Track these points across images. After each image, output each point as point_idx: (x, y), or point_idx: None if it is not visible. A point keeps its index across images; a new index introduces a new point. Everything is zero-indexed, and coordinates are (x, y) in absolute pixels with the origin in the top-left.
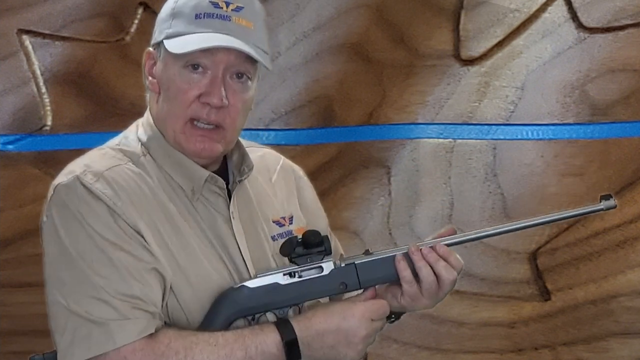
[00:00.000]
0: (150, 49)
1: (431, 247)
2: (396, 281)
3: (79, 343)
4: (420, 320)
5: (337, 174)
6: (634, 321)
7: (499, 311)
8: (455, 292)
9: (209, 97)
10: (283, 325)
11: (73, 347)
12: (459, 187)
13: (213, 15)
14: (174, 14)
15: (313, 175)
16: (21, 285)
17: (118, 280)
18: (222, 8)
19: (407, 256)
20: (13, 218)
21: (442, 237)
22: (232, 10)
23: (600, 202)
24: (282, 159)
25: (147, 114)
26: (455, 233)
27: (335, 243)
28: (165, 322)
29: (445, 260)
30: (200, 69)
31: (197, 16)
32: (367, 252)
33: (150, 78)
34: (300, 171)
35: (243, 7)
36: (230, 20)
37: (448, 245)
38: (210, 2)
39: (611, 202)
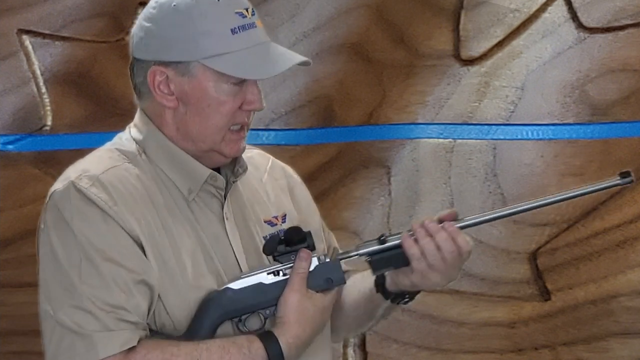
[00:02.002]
0: (157, 66)
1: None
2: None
3: (63, 353)
4: (420, 320)
5: (337, 174)
6: (634, 321)
7: (499, 311)
8: (455, 292)
9: (253, 105)
10: (269, 343)
11: (58, 357)
12: (459, 187)
13: (245, 27)
14: (204, 33)
15: (313, 175)
16: (21, 285)
17: (103, 290)
18: (247, 16)
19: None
20: (13, 218)
21: (443, 219)
22: (251, 15)
23: (618, 177)
24: (271, 159)
25: (138, 115)
26: (457, 216)
27: (327, 236)
28: (151, 329)
29: (452, 239)
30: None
31: (233, 31)
32: (381, 238)
33: (167, 96)
34: (290, 170)
35: (253, 8)
36: (255, 26)
37: (461, 227)
38: (236, 13)
39: (628, 178)
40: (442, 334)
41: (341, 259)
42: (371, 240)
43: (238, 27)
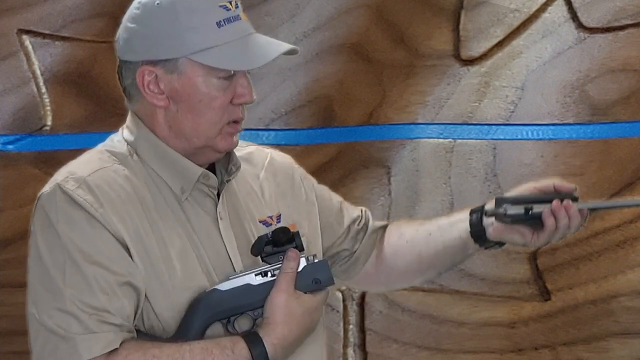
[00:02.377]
0: (145, 66)
1: (578, 208)
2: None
3: (48, 356)
4: (420, 320)
5: (337, 174)
6: (634, 321)
7: (499, 311)
8: (455, 292)
9: (243, 98)
10: (253, 344)
11: None
12: (459, 187)
13: (230, 19)
14: (190, 29)
15: (313, 175)
16: (21, 285)
17: (86, 293)
18: (231, 9)
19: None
20: (13, 218)
21: (559, 190)
22: (235, 7)
23: None
24: (270, 155)
25: (130, 117)
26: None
27: (340, 216)
28: (140, 330)
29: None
30: (230, 74)
31: (218, 25)
32: (527, 207)
33: (157, 95)
34: (290, 163)
35: (237, 0)
36: (240, 18)
37: (590, 210)
38: (220, 6)
39: None
40: (442, 334)
41: (490, 215)
42: (510, 199)
43: (223, 20)
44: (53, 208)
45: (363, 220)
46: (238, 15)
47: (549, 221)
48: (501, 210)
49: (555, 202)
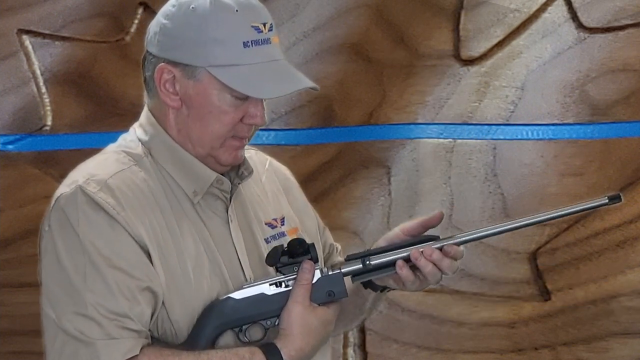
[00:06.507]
0: (165, 64)
1: (437, 247)
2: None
3: None
4: (420, 320)
5: (337, 174)
6: (634, 321)
7: (499, 311)
8: (455, 292)
9: (254, 119)
10: (271, 355)
11: None
12: (459, 187)
13: (259, 42)
14: (216, 41)
15: (313, 175)
16: (21, 285)
17: (108, 298)
18: (263, 32)
19: (408, 260)
20: (13, 218)
21: (427, 222)
22: (268, 30)
23: (606, 198)
24: (269, 159)
25: (145, 115)
26: (442, 217)
27: (323, 235)
28: (152, 335)
29: (452, 257)
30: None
31: (245, 44)
32: (365, 261)
33: (171, 95)
34: (287, 171)
35: (272, 23)
36: (270, 42)
37: (458, 244)
38: (252, 26)
39: (618, 199)
40: (442, 334)
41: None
42: (355, 256)
43: (251, 42)
44: (74, 210)
45: (332, 250)
46: (269, 38)
47: (402, 272)
48: (324, 269)
49: (413, 252)
